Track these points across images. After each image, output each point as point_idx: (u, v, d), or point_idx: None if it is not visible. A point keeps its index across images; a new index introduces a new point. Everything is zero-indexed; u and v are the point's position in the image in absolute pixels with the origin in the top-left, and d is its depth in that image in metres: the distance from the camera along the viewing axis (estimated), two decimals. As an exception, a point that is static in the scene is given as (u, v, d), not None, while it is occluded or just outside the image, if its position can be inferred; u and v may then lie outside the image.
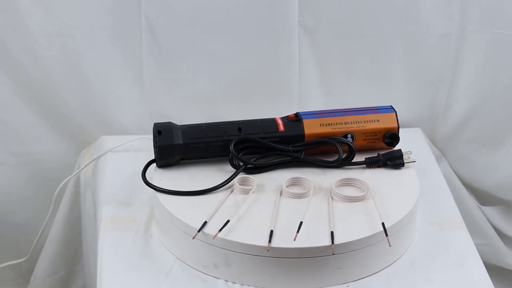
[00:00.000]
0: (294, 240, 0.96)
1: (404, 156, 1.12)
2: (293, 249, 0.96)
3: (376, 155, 1.12)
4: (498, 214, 1.44)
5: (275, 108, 1.22)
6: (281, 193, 1.05)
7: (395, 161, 1.12)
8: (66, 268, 1.42)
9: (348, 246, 0.97)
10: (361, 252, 0.98)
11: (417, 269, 1.03)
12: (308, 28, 1.31)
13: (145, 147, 1.20)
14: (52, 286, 1.42)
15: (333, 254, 0.96)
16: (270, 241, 0.96)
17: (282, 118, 1.13)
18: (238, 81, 1.34)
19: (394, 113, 1.15)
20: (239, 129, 1.10)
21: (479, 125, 1.38)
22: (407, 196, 1.06)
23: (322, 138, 1.11)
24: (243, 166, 1.08)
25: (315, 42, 1.32)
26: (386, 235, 0.98)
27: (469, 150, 1.40)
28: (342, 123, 1.13)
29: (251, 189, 1.05)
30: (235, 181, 1.06)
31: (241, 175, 1.07)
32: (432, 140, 1.40)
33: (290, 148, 1.10)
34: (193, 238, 0.97)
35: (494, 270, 1.43)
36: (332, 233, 0.97)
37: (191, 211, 1.02)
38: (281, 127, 1.12)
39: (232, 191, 1.06)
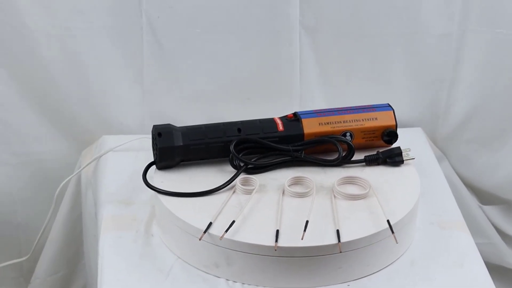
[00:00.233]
0: (302, 239, 0.96)
1: (403, 154, 1.12)
2: (301, 248, 0.96)
3: (375, 153, 1.13)
4: (499, 213, 1.44)
5: (275, 108, 1.22)
6: (283, 193, 1.05)
7: (394, 158, 1.12)
8: (67, 267, 1.43)
9: (354, 244, 0.98)
10: (367, 250, 0.99)
11: (418, 269, 1.03)
12: (309, 28, 1.31)
13: (146, 147, 1.20)
14: (53, 286, 1.42)
15: (341, 252, 0.96)
16: (276, 240, 0.96)
17: (281, 118, 1.13)
18: (238, 81, 1.34)
19: (392, 111, 1.16)
20: (239, 130, 1.10)
21: (480, 125, 1.38)
22: (408, 193, 1.07)
23: (321, 137, 1.12)
24: (244, 167, 1.08)
25: (316, 42, 1.32)
26: (392, 232, 0.99)
27: (470, 150, 1.40)
28: (340, 122, 1.13)
29: (253, 189, 1.05)
30: (237, 181, 1.06)
31: (243, 176, 1.07)
32: (433, 140, 1.41)
33: (290, 148, 1.10)
34: (200, 240, 0.97)
35: (495, 269, 1.43)
36: (338, 231, 0.97)
37: (195, 212, 1.01)
38: (280, 127, 1.12)
39: (234, 192, 1.06)
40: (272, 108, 1.24)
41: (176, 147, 1.08)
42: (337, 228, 0.98)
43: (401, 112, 1.38)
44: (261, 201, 1.04)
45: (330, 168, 1.11)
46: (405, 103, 1.38)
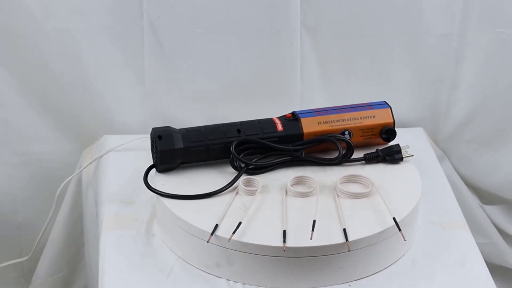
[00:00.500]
0: (311, 239, 0.96)
1: (402, 151, 1.13)
2: (309, 248, 0.96)
3: (374, 150, 1.13)
4: (500, 213, 1.44)
5: (276, 108, 1.22)
6: (286, 193, 1.05)
7: (393, 156, 1.13)
8: (68, 267, 1.43)
9: (361, 243, 0.98)
10: (372, 249, 0.99)
11: (419, 269, 1.03)
12: (310, 28, 1.31)
13: (146, 147, 1.20)
14: (53, 286, 1.42)
15: (349, 250, 0.96)
16: (284, 241, 0.96)
17: (280, 118, 1.13)
18: (239, 81, 1.34)
19: (389, 108, 1.16)
20: (238, 131, 1.10)
21: (481, 125, 1.38)
22: (410, 191, 1.07)
23: (321, 136, 1.12)
24: (245, 167, 1.08)
25: (317, 42, 1.32)
26: (399, 229, 0.99)
27: (471, 150, 1.40)
28: (339, 121, 1.13)
29: (256, 190, 1.04)
30: (239, 182, 1.06)
31: (245, 177, 1.07)
32: (434, 140, 1.40)
33: (290, 148, 1.10)
34: (208, 242, 0.97)
35: (496, 269, 1.43)
36: (344, 230, 0.97)
37: (199, 214, 1.01)
38: (280, 127, 1.12)
39: (237, 193, 1.05)
40: (273, 108, 1.24)
41: (177, 150, 1.08)
42: (344, 227, 0.98)
43: (402, 112, 1.38)
44: (264, 201, 1.04)
45: (330, 167, 1.12)
46: (406, 103, 1.38)
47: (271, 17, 1.29)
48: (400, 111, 1.37)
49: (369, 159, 1.12)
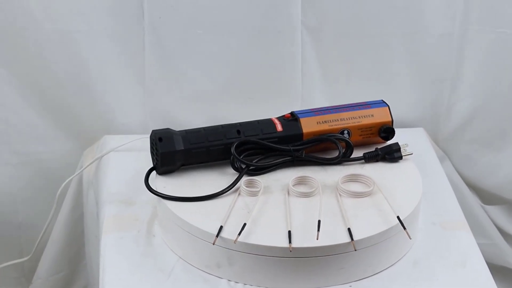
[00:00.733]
0: (317, 239, 0.96)
1: (401, 149, 1.13)
2: (315, 248, 0.96)
3: (373, 149, 1.13)
4: (501, 213, 1.44)
5: (277, 108, 1.22)
6: (288, 193, 1.05)
7: (393, 154, 1.13)
8: (68, 267, 1.43)
9: (367, 242, 0.98)
10: (377, 248, 0.99)
11: (420, 269, 1.03)
12: (311, 28, 1.31)
13: (147, 147, 1.20)
14: (54, 286, 1.42)
15: (355, 250, 0.96)
16: (290, 241, 0.96)
17: (279, 118, 1.13)
18: (240, 80, 1.34)
19: (387, 107, 1.16)
20: (238, 132, 1.10)
21: (482, 125, 1.38)
22: (412, 189, 1.08)
23: (320, 136, 1.12)
24: (246, 168, 1.08)
25: (318, 42, 1.32)
26: (404, 228, 0.99)
27: (472, 150, 1.40)
28: (338, 120, 1.14)
29: (258, 191, 1.04)
30: (241, 183, 1.06)
31: (247, 178, 1.07)
32: (435, 139, 1.40)
33: (291, 148, 1.10)
34: (213, 244, 0.97)
35: (497, 270, 1.43)
36: (349, 229, 0.97)
37: (203, 216, 1.01)
38: (279, 127, 1.12)
39: (239, 194, 1.05)
40: (274, 107, 1.24)
41: (178, 152, 1.07)
42: (348, 227, 0.98)
43: (403, 112, 1.38)
44: (267, 202, 1.04)
45: (330, 167, 1.12)
46: (407, 103, 1.38)
47: (271, 17, 1.29)
48: (400, 111, 1.37)
49: (368, 158, 1.13)
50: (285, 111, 1.17)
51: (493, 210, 1.44)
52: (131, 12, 1.27)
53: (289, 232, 0.97)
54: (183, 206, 1.03)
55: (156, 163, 1.09)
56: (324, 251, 0.96)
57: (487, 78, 1.35)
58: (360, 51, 1.33)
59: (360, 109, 1.15)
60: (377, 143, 1.16)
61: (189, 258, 1.02)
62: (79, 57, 1.29)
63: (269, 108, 1.25)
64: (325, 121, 1.13)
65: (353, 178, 1.08)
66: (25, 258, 1.38)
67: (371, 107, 1.16)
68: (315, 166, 1.12)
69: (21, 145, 1.35)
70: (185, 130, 1.09)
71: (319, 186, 1.05)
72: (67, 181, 1.28)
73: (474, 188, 1.44)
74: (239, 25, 1.29)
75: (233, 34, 1.30)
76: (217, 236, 0.97)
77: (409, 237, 0.99)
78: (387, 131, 1.15)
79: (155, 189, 1.06)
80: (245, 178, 1.07)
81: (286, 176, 1.08)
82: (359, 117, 1.15)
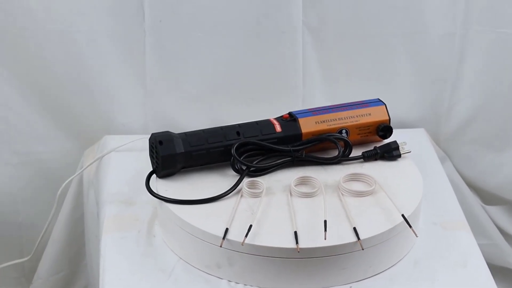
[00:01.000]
0: (325, 239, 0.96)
1: (399, 147, 1.13)
2: (322, 248, 0.96)
3: (372, 148, 1.14)
4: (501, 214, 1.44)
5: (278, 108, 1.22)
6: (290, 194, 1.05)
7: (392, 152, 1.13)
8: (69, 267, 1.43)
9: (372, 241, 0.98)
10: (383, 246, 0.99)
11: (421, 270, 1.03)
12: (312, 28, 1.31)
13: (148, 147, 1.20)
14: (54, 286, 1.42)
15: (363, 249, 0.96)
16: (297, 242, 0.96)
17: (277, 119, 1.13)
18: (241, 81, 1.34)
19: (384, 106, 1.17)
20: (238, 133, 1.10)
21: (483, 125, 1.38)
22: (412, 187, 1.08)
23: (319, 136, 1.12)
24: (247, 170, 1.08)
25: (319, 42, 1.32)
26: (410, 226, 0.99)
27: (473, 150, 1.40)
28: (336, 119, 1.14)
29: (261, 192, 1.04)
30: (243, 185, 1.06)
31: (248, 179, 1.07)
32: (436, 140, 1.40)
33: (290, 148, 1.10)
34: (221, 246, 0.96)
35: (497, 270, 1.43)
36: (355, 229, 0.97)
37: (207, 219, 1.00)
38: (278, 128, 1.12)
39: (242, 196, 1.05)
40: (275, 108, 1.24)
41: (178, 154, 1.06)
42: (354, 226, 0.98)
43: (403, 112, 1.38)
44: (270, 203, 1.04)
45: (330, 166, 1.12)
46: (408, 103, 1.38)
47: (272, 17, 1.29)
48: (401, 111, 1.37)
49: (367, 157, 1.13)
50: (286, 112, 1.17)
51: (494, 210, 1.44)
52: (131, 13, 1.27)
53: (295, 232, 0.97)
54: (186, 209, 1.02)
55: (156, 167, 1.08)
56: (331, 251, 0.96)
57: (487, 78, 1.35)
58: (361, 51, 1.33)
59: (357, 108, 1.16)
60: (375, 141, 1.17)
61: (190, 258, 1.02)
62: (79, 57, 1.29)
63: (270, 108, 1.25)
64: (324, 121, 1.13)
65: (354, 177, 1.08)
66: (26, 258, 1.38)
67: (368, 106, 1.16)
68: (315, 166, 1.12)
69: (21, 145, 1.35)
70: (184, 133, 1.09)
71: (321, 186, 1.05)
72: (67, 181, 1.28)
73: (475, 188, 1.44)
74: (240, 26, 1.29)
75: (233, 35, 1.30)
76: (223, 238, 0.96)
77: (416, 235, 0.99)
78: (385, 129, 1.16)
79: (156, 192, 1.05)
80: (246, 180, 1.07)
81: (287, 177, 1.08)
82: (357, 116, 1.15)
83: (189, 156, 1.07)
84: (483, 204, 1.44)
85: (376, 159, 1.14)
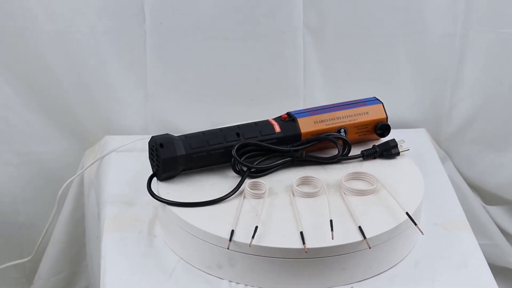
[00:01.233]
0: (333, 239, 0.96)
1: (398, 145, 1.14)
2: (329, 247, 0.96)
3: (371, 147, 1.14)
4: (502, 214, 1.44)
5: (279, 109, 1.22)
6: (293, 194, 1.05)
7: (390, 151, 1.14)
8: (69, 268, 1.43)
9: (378, 239, 0.98)
10: (388, 244, 0.99)
11: (422, 270, 1.03)
12: (312, 28, 1.31)
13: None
14: (55, 286, 1.42)
15: (370, 247, 0.96)
16: (304, 242, 0.96)
17: (276, 119, 1.13)
18: (242, 83, 1.34)
19: (381, 104, 1.17)
20: (237, 134, 1.09)
21: (484, 125, 1.38)
22: (413, 185, 1.08)
23: (318, 135, 1.12)
24: (248, 171, 1.08)
25: (320, 43, 1.32)
26: (415, 224, 0.99)
27: (474, 150, 1.40)
28: (334, 119, 1.14)
29: (263, 193, 1.04)
30: (246, 186, 1.05)
31: (251, 180, 1.07)
32: (437, 140, 1.40)
33: (290, 149, 1.10)
34: (228, 248, 0.96)
35: (498, 270, 1.43)
36: (360, 227, 0.98)
37: (211, 221, 1.00)
38: (277, 128, 1.12)
39: (244, 197, 1.05)
40: (276, 108, 1.23)
41: (179, 157, 1.06)
42: (359, 225, 0.98)
43: (404, 112, 1.38)
44: (273, 204, 1.04)
45: (330, 166, 1.12)
46: (408, 103, 1.38)
47: (274, 18, 1.29)
48: (402, 111, 1.37)
49: (366, 156, 1.13)
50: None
51: (495, 210, 1.44)
52: (132, 14, 1.27)
53: (301, 233, 0.97)
54: (190, 211, 1.02)
55: (156, 170, 1.07)
56: (338, 250, 0.96)
57: (488, 79, 1.35)
58: (362, 52, 1.33)
59: (355, 107, 1.16)
60: (372, 140, 1.17)
61: (191, 259, 1.02)
62: (79, 57, 1.29)
63: (271, 109, 1.24)
64: (322, 121, 1.13)
65: (355, 176, 1.08)
66: (26, 259, 1.38)
67: (365, 105, 1.16)
68: (315, 165, 1.12)
69: (21, 145, 1.35)
70: (184, 135, 1.08)
71: (323, 186, 1.05)
72: (68, 181, 1.28)
73: (476, 189, 1.44)
74: (240, 26, 1.29)
75: (233, 36, 1.30)
76: (230, 240, 0.96)
77: (421, 232, 1.00)
78: (383, 128, 1.16)
79: (158, 195, 1.05)
80: (248, 181, 1.06)
81: (288, 177, 1.08)
82: (355, 115, 1.15)
83: (190, 158, 1.07)
84: (484, 204, 1.44)
85: (375, 158, 1.14)
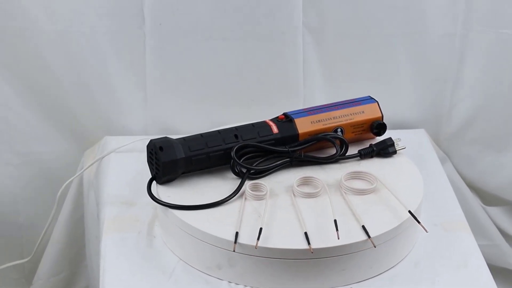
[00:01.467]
0: (338, 238, 0.96)
1: (394, 144, 1.14)
2: (335, 247, 0.96)
3: (368, 146, 1.14)
4: (502, 214, 1.44)
5: (279, 109, 1.22)
6: (294, 194, 1.05)
7: (387, 149, 1.14)
8: (69, 268, 1.43)
9: (382, 238, 0.98)
10: (391, 243, 0.99)
11: (421, 270, 1.02)
12: (312, 29, 1.31)
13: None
14: (55, 287, 1.42)
15: (375, 246, 0.96)
16: (309, 243, 0.95)
17: (273, 120, 1.13)
18: (242, 83, 1.34)
19: (376, 103, 1.17)
20: (236, 136, 1.09)
21: (484, 126, 1.38)
22: (413, 183, 1.08)
23: (316, 135, 1.12)
24: (248, 172, 1.08)
25: (319, 43, 1.32)
26: (418, 222, 1.00)
27: (473, 151, 1.40)
28: (331, 119, 1.14)
29: (264, 194, 1.04)
30: (246, 188, 1.05)
31: (251, 182, 1.07)
32: (437, 140, 1.40)
33: (289, 149, 1.10)
34: (234, 251, 0.96)
35: (498, 271, 1.43)
36: (363, 227, 0.98)
37: (214, 223, 1.00)
38: (275, 129, 1.12)
39: (246, 199, 1.04)
40: (276, 109, 1.23)
41: (179, 160, 1.05)
42: (362, 224, 0.98)
43: (404, 112, 1.38)
44: (275, 205, 1.03)
45: (327, 165, 1.12)
46: (408, 103, 1.38)
47: (273, 18, 1.29)
48: (401, 111, 1.37)
49: (364, 155, 1.13)
50: (288, 112, 1.17)
51: (494, 211, 1.44)
52: (131, 15, 1.27)
53: (306, 233, 0.97)
54: (191, 214, 1.02)
55: (156, 173, 1.07)
56: (343, 250, 0.96)
57: (488, 79, 1.35)
58: (362, 52, 1.33)
59: (350, 106, 1.16)
60: (368, 139, 1.17)
61: (190, 259, 1.02)
62: (79, 58, 1.29)
63: (271, 109, 1.24)
64: (319, 120, 1.13)
65: (355, 176, 1.08)
66: (26, 259, 1.38)
67: (361, 104, 1.17)
68: (313, 165, 1.12)
69: (21, 145, 1.35)
70: (183, 138, 1.08)
71: (324, 186, 1.05)
72: (68, 181, 1.28)
73: (475, 189, 1.44)
74: (240, 27, 1.29)
75: (233, 36, 1.30)
76: (235, 242, 0.96)
77: (426, 230, 1.00)
78: (379, 127, 1.16)
79: (159, 198, 1.04)
80: (248, 182, 1.06)
81: (287, 178, 1.08)
82: (351, 114, 1.15)
83: (189, 161, 1.06)
84: (484, 205, 1.44)
85: (372, 157, 1.14)
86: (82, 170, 1.31)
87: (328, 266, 0.97)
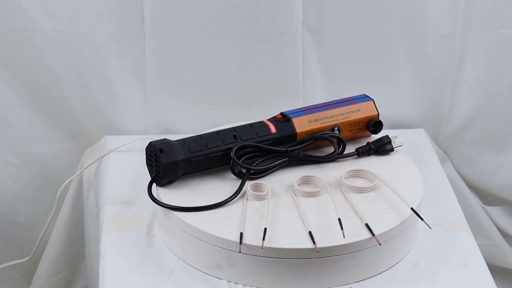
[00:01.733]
0: (344, 237, 0.96)
1: (391, 141, 1.14)
2: (340, 246, 0.96)
3: (365, 144, 1.14)
4: (502, 214, 1.44)
5: (279, 110, 1.22)
6: (294, 194, 1.05)
7: (384, 147, 1.14)
8: (68, 268, 1.43)
9: (386, 235, 0.98)
10: (394, 241, 0.99)
11: (421, 270, 1.02)
12: (312, 29, 1.31)
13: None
14: (54, 286, 1.42)
15: (380, 244, 0.96)
16: (314, 242, 0.95)
17: (270, 120, 1.13)
18: (242, 83, 1.34)
19: (372, 101, 1.17)
20: (234, 137, 1.09)
21: (483, 126, 1.38)
22: (412, 181, 1.08)
23: (314, 134, 1.12)
24: (248, 173, 1.07)
25: (319, 43, 1.32)
26: (421, 219, 1.00)
27: (473, 150, 1.40)
28: (328, 117, 1.14)
29: (266, 194, 1.04)
30: (247, 188, 1.05)
31: (251, 182, 1.06)
32: (436, 140, 1.40)
33: (287, 149, 1.10)
34: (240, 252, 0.96)
35: (497, 271, 1.43)
36: (367, 225, 0.98)
37: (217, 225, 0.99)
38: (273, 129, 1.12)
39: (247, 199, 1.04)
40: (276, 109, 1.23)
41: (179, 162, 1.05)
42: (365, 222, 0.98)
43: (404, 112, 1.38)
44: (277, 205, 1.03)
45: (326, 164, 1.12)
46: (408, 103, 1.38)
47: (273, 18, 1.29)
48: (401, 111, 1.37)
49: (361, 153, 1.14)
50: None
51: (494, 211, 1.44)
52: (131, 15, 1.27)
53: (310, 233, 0.97)
54: (193, 215, 1.01)
55: (156, 175, 1.06)
56: (348, 248, 0.96)
57: (488, 79, 1.35)
58: (361, 52, 1.33)
59: (347, 105, 1.16)
60: (364, 137, 1.18)
61: (190, 259, 1.02)
62: (79, 57, 1.29)
63: (271, 109, 1.24)
64: (316, 120, 1.14)
65: (355, 174, 1.08)
66: (26, 259, 1.38)
67: (357, 102, 1.17)
68: (311, 164, 1.12)
69: (21, 145, 1.35)
70: (182, 139, 1.07)
71: (324, 185, 1.05)
72: (67, 181, 1.28)
73: (475, 189, 1.44)
74: (239, 27, 1.29)
75: (233, 36, 1.30)
76: (240, 243, 0.96)
77: (429, 226, 1.00)
78: (375, 125, 1.16)
79: (160, 200, 1.04)
80: (249, 182, 1.06)
81: (286, 177, 1.08)
82: (347, 113, 1.15)
83: (189, 162, 1.06)
84: (483, 205, 1.44)
85: (369, 155, 1.14)
86: (82, 169, 1.31)
87: (330, 265, 0.97)
